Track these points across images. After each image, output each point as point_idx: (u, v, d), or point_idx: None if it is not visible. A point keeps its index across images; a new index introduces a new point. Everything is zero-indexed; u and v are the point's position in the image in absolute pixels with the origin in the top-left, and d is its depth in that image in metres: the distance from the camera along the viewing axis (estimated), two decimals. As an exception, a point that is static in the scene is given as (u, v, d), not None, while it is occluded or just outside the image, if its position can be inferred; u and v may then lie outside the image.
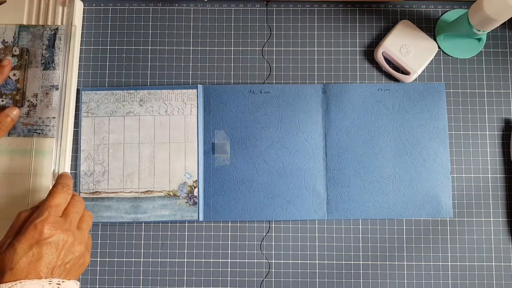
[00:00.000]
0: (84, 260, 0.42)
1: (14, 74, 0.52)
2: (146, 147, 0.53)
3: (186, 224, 0.52)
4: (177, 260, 0.52)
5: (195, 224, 0.52)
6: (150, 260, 0.52)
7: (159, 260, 0.52)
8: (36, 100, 0.51)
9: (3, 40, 0.52)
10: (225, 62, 0.55)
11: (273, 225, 0.52)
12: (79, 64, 0.54)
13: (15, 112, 0.50)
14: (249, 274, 0.52)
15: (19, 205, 0.50)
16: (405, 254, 0.52)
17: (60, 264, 0.39)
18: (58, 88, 0.52)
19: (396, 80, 0.54)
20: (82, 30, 0.55)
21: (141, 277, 0.52)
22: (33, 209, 0.41)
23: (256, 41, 0.55)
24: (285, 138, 0.53)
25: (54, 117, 0.51)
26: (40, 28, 0.52)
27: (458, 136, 0.53)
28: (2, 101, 0.51)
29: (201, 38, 0.55)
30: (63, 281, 0.38)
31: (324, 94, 0.54)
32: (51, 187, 0.44)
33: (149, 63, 0.55)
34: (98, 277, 0.51)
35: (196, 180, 0.52)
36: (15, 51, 0.52)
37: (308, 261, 0.52)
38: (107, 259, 0.52)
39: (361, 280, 0.52)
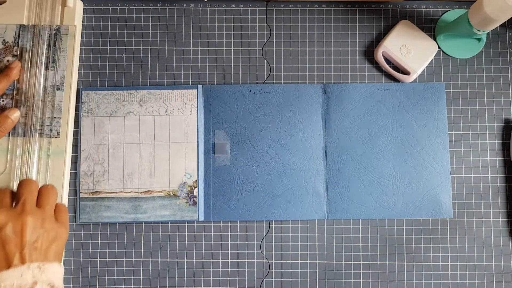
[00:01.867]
0: (55, 234, 0.40)
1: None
2: (146, 147, 0.53)
3: (186, 224, 0.52)
4: (177, 260, 0.52)
5: (195, 224, 0.52)
6: (150, 260, 0.52)
7: (159, 260, 0.52)
8: (36, 100, 0.51)
9: (4, 40, 0.52)
10: (225, 62, 0.55)
11: (273, 225, 0.52)
12: (79, 64, 0.54)
13: (16, 114, 0.50)
14: (249, 274, 0.52)
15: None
16: (405, 254, 0.52)
17: (29, 246, 0.37)
18: (59, 88, 0.52)
19: (396, 80, 0.54)
20: (82, 30, 0.55)
21: (141, 277, 0.52)
22: None
23: (256, 41, 0.55)
24: (285, 138, 0.53)
25: (55, 117, 0.51)
26: (40, 28, 0.52)
27: (458, 136, 0.53)
28: (3, 101, 0.51)
29: (201, 38, 0.55)
30: (43, 264, 0.37)
31: (324, 94, 0.54)
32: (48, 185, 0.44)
33: (149, 63, 0.55)
34: (98, 277, 0.51)
35: (196, 180, 0.52)
36: (16, 51, 0.51)
37: (308, 261, 0.52)
38: (107, 259, 0.52)
39: (361, 280, 0.52)
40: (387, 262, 0.52)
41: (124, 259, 0.52)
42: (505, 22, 0.54)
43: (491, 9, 0.45)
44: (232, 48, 0.55)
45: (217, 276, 0.52)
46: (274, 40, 0.55)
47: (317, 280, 0.52)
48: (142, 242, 0.52)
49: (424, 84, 0.54)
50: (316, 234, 0.52)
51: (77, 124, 0.53)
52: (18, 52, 0.51)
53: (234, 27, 0.55)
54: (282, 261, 0.52)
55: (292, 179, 0.52)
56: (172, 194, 0.52)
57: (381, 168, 0.52)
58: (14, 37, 0.52)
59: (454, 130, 0.54)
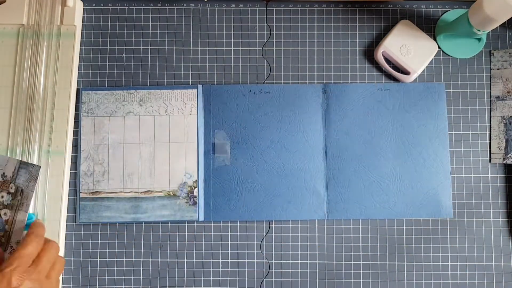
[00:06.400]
0: None
1: (5, 214, 0.48)
2: (146, 147, 0.53)
3: (186, 224, 0.52)
4: (177, 260, 0.52)
5: (195, 224, 0.52)
6: (150, 260, 0.52)
7: (159, 260, 0.52)
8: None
9: (3, 173, 0.48)
10: (225, 62, 0.55)
11: (273, 225, 0.52)
12: (79, 64, 0.54)
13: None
14: (249, 274, 0.52)
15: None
16: (405, 254, 0.52)
17: None
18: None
19: (396, 80, 0.54)
20: (82, 30, 0.55)
21: (141, 277, 0.52)
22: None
23: (256, 41, 0.55)
24: (285, 138, 0.53)
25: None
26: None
27: (458, 136, 0.53)
28: None
29: (201, 38, 0.55)
30: None
31: (324, 94, 0.54)
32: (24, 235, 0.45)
33: (149, 63, 0.55)
34: (98, 277, 0.51)
35: (196, 180, 0.52)
36: (11, 188, 0.47)
37: (308, 261, 0.52)
38: (107, 259, 0.52)
39: (361, 280, 0.51)
40: (387, 262, 0.52)
41: (124, 259, 0.52)
42: (505, 22, 0.54)
43: (491, 9, 0.45)
44: (232, 48, 0.55)
45: (217, 276, 0.52)
46: (274, 40, 0.55)
47: (317, 280, 0.52)
48: (142, 242, 0.52)
49: (424, 84, 0.54)
50: (316, 234, 0.52)
51: (77, 124, 0.53)
52: (13, 190, 0.47)
53: (234, 27, 0.55)
54: (282, 261, 0.52)
55: (292, 179, 0.52)
56: (172, 194, 0.52)
57: (381, 168, 0.52)
58: (13, 172, 0.48)
59: (454, 130, 0.54)
